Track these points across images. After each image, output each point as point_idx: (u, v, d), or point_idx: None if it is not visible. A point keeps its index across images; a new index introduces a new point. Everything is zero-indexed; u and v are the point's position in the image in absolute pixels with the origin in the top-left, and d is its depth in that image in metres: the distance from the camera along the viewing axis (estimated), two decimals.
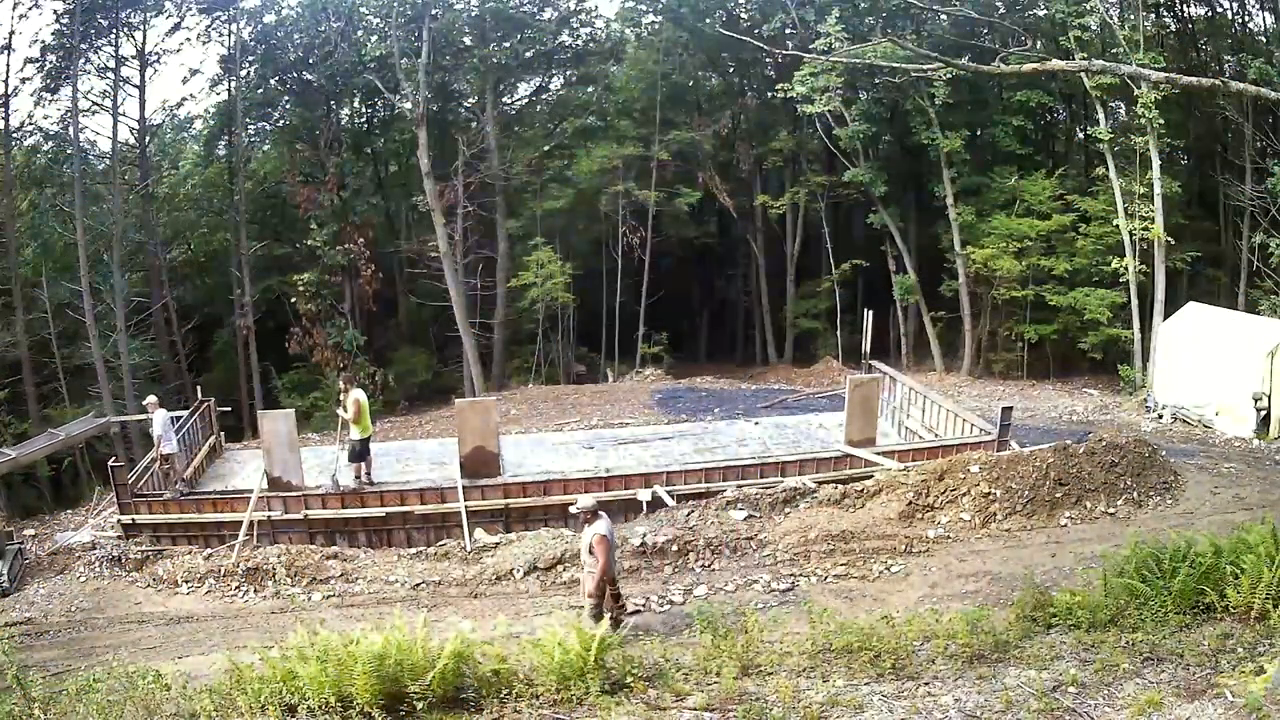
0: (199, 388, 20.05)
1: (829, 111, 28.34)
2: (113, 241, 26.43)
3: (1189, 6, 27.87)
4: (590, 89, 35.33)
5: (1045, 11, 27.27)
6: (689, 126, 33.92)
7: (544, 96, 36.16)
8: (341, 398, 14.93)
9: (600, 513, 9.93)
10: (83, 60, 26.77)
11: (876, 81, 28.58)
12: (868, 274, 32.11)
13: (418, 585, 12.28)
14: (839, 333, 32.15)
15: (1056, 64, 14.09)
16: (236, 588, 12.38)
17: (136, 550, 13.39)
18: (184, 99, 32.90)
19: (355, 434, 14.44)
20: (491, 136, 30.35)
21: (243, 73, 31.10)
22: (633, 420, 22.07)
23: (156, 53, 28.73)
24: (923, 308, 30.62)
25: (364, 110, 35.27)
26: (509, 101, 34.47)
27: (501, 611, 10.74)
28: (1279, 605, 8.01)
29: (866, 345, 21.36)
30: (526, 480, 14.66)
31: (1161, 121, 24.32)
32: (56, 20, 26.01)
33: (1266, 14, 27.27)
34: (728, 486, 14.35)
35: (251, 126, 33.58)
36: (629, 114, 35.21)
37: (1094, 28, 26.30)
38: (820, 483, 14.65)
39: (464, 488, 14.14)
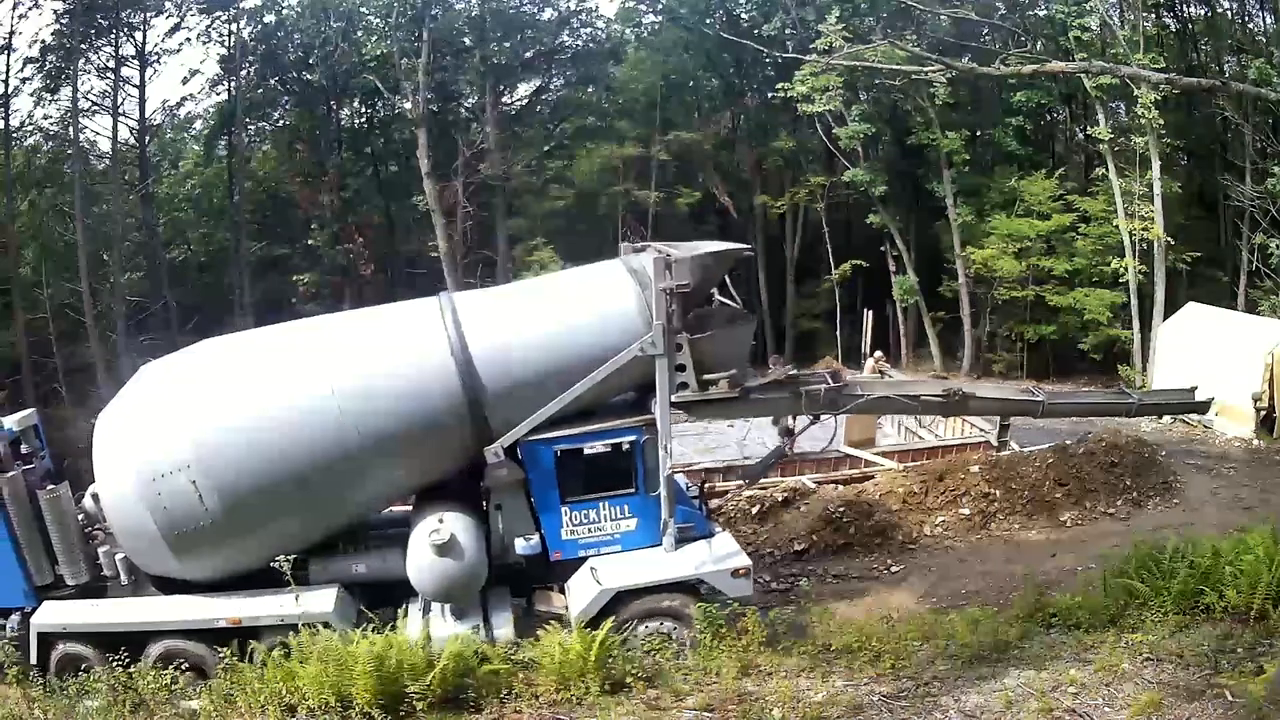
0: None
1: (829, 111, 28.33)
2: (113, 241, 26.43)
3: (1189, 7, 27.86)
4: (590, 89, 35.31)
5: (1045, 12, 27.26)
6: (689, 127, 33.90)
7: (544, 97, 36.16)
8: None
9: None
10: (83, 60, 26.78)
11: (877, 82, 28.57)
12: (868, 274, 32.09)
13: None
14: (839, 333, 32.12)
15: (1056, 65, 14.12)
16: None
17: None
18: (184, 99, 32.80)
19: None
20: (491, 136, 30.34)
21: (243, 73, 31.10)
22: None
23: (156, 53, 28.76)
24: (922, 308, 30.61)
25: (364, 110, 35.25)
26: (509, 101, 34.46)
27: None
28: (1278, 606, 8.02)
29: (866, 345, 21.41)
30: None
31: (1161, 122, 24.29)
32: (56, 20, 26.03)
33: (1266, 14, 27.26)
34: (729, 487, 14.32)
35: (251, 127, 33.56)
36: (629, 114, 35.19)
37: (1094, 28, 26.27)
38: (820, 483, 14.64)
39: None
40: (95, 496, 9.50)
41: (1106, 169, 25.92)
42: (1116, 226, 25.29)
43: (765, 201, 33.71)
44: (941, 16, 26.74)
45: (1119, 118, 27.04)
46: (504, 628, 9.09)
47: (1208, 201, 29.17)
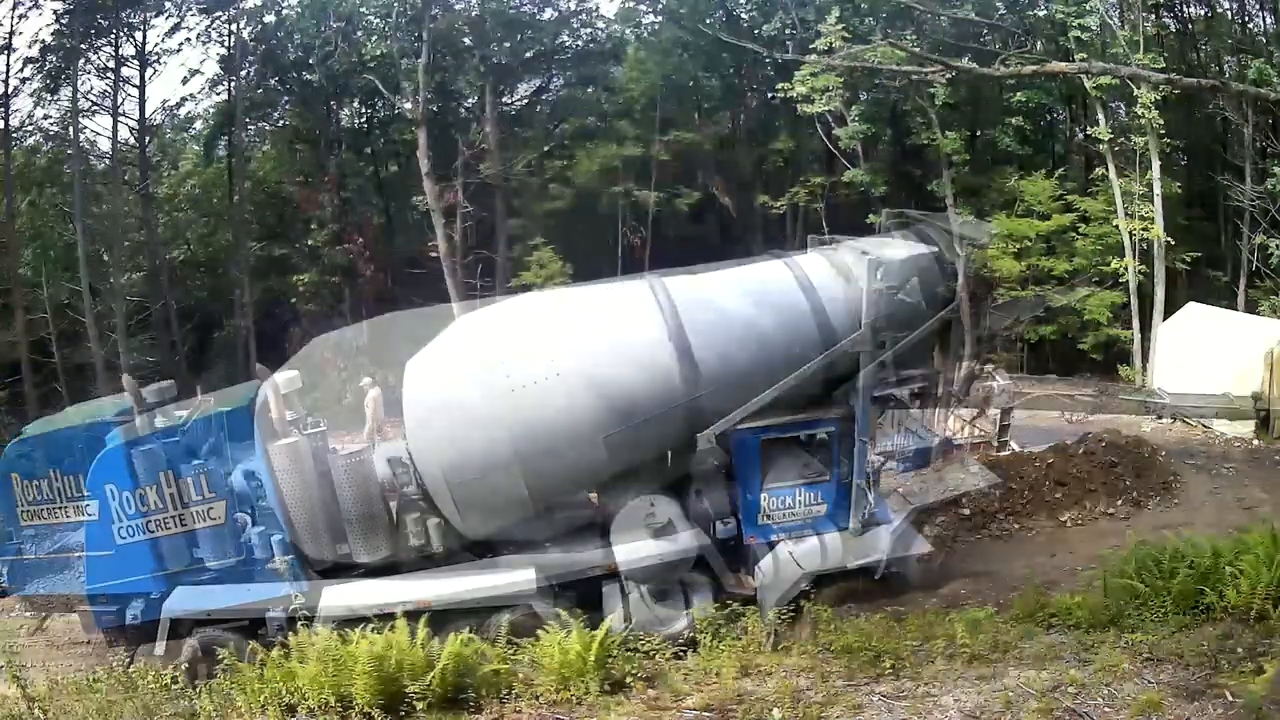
0: (199, 388, 20.01)
1: (829, 111, 28.33)
2: (113, 241, 26.42)
3: (1189, 7, 27.85)
4: (590, 89, 35.29)
5: (1045, 12, 27.26)
6: (689, 127, 33.87)
7: (544, 97, 36.14)
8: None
9: None
10: (83, 60, 26.75)
11: (877, 82, 28.58)
12: None
13: None
14: None
15: (1056, 66, 14.11)
16: None
17: None
18: (184, 99, 32.76)
19: None
20: (491, 137, 30.32)
21: (243, 73, 31.08)
22: None
23: (156, 53, 28.70)
24: None
25: (364, 110, 35.22)
26: (509, 102, 34.43)
27: None
28: (1278, 605, 8.01)
29: None
30: None
31: (1161, 122, 24.30)
32: (56, 20, 25.98)
33: (1266, 14, 27.27)
34: None
35: (251, 127, 33.54)
36: (629, 114, 35.17)
37: (1094, 28, 26.27)
38: None
39: None
40: (396, 460, 9.43)
41: (1106, 169, 25.92)
42: (1116, 226, 25.28)
43: (765, 201, 33.69)
44: (941, 17, 26.72)
45: (1119, 118, 27.04)
46: (705, 608, 9.46)
47: (1208, 201, 29.16)
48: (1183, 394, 19.15)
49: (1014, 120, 28.57)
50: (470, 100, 33.33)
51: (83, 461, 9.45)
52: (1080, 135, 30.85)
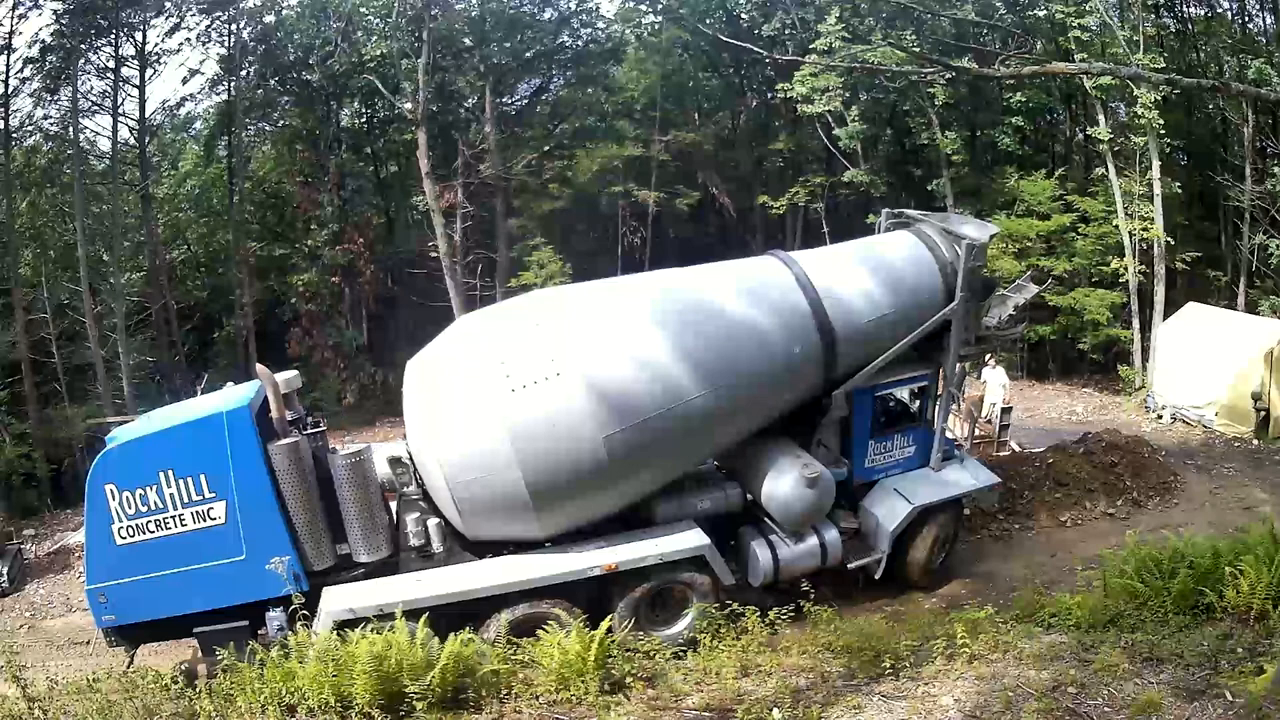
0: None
1: (829, 111, 28.33)
2: (113, 241, 26.42)
3: (1189, 7, 27.83)
4: (590, 89, 35.31)
5: (1045, 12, 27.26)
6: (689, 127, 33.85)
7: (544, 97, 36.14)
8: None
9: None
10: (83, 60, 26.72)
11: (876, 82, 28.58)
12: None
13: None
14: None
15: (1057, 66, 14.14)
16: None
17: None
18: (184, 99, 32.70)
19: None
20: (491, 137, 30.33)
21: (243, 73, 31.07)
22: None
23: (156, 53, 28.66)
24: None
25: (364, 111, 35.23)
26: (509, 102, 34.44)
27: None
28: (1278, 605, 8.02)
29: None
30: None
31: (1161, 122, 24.30)
32: (56, 20, 25.95)
33: (1266, 14, 27.27)
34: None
35: (251, 127, 33.54)
36: (629, 114, 35.18)
37: (1094, 28, 26.27)
38: None
39: None
40: (396, 460, 9.44)
41: (1106, 169, 25.92)
42: (1116, 226, 25.29)
43: (765, 201, 33.70)
44: (941, 17, 26.71)
45: (1119, 118, 27.04)
46: (836, 547, 10.76)
47: (1208, 201, 29.16)
48: None
49: (1014, 120, 28.57)
50: (470, 100, 33.32)
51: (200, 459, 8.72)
52: (1080, 135, 30.84)
